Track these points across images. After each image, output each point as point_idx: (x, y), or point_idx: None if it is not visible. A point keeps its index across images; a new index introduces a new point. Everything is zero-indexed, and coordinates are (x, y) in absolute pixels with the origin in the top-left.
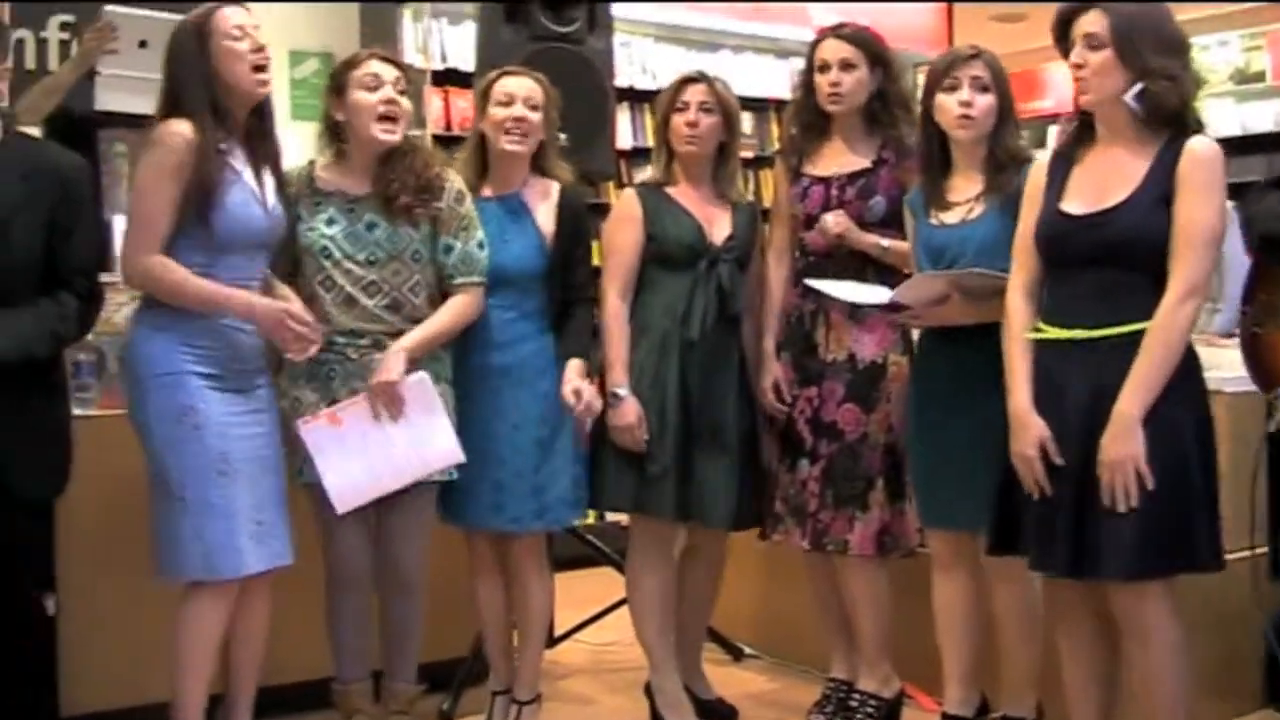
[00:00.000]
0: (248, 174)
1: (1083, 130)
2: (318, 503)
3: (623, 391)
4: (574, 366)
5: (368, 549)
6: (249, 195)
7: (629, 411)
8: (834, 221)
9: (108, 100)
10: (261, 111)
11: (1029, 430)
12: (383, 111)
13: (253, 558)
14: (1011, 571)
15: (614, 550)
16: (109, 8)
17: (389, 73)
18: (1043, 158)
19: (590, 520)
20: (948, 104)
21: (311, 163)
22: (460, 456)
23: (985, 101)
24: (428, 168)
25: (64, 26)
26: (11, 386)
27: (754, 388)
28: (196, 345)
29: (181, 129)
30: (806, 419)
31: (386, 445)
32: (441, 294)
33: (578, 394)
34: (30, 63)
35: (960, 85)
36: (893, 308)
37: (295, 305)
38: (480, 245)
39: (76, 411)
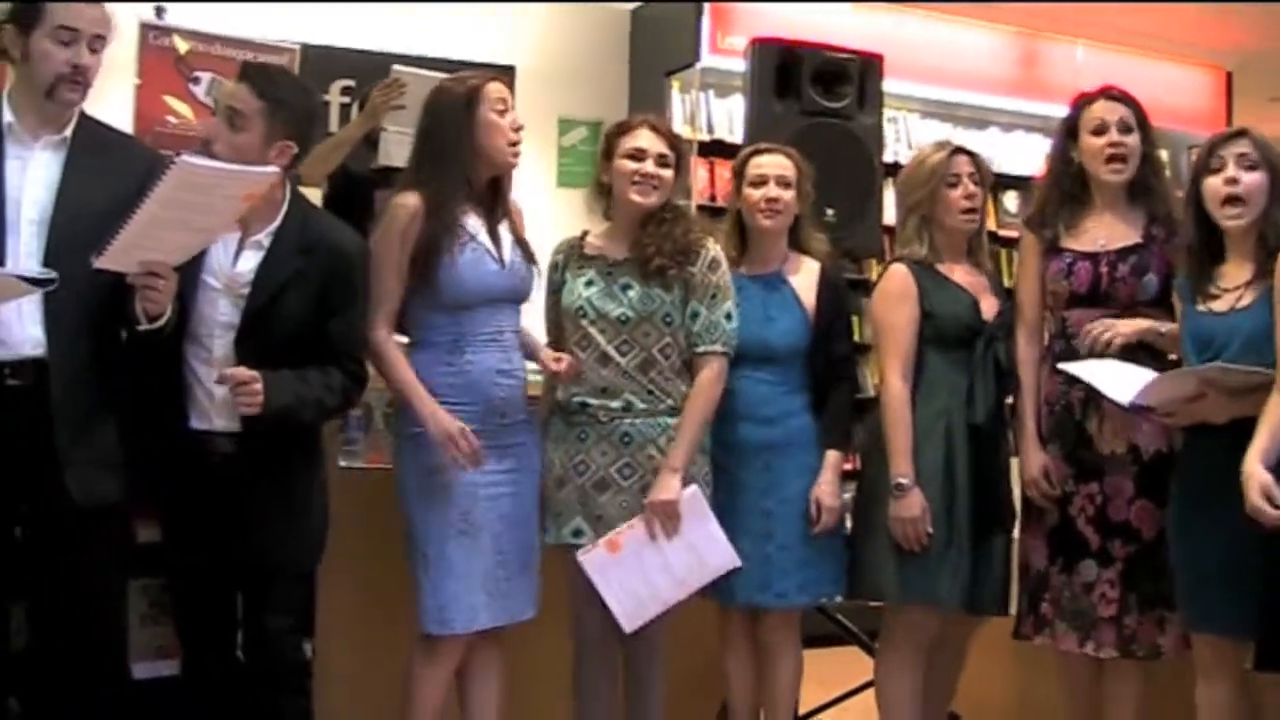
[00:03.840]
0: (482, 234)
1: None
2: (567, 566)
3: (907, 482)
4: (830, 463)
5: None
6: (482, 254)
7: (914, 504)
8: (1107, 332)
9: (391, 155)
10: (497, 180)
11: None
12: (636, 181)
13: (486, 614)
14: None
15: (861, 629)
16: (398, 67)
17: (655, 146)
18: None
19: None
20: (1214, 185)
21: (585, 233)
22: (737, 561)
23: (1254, 179)
24: (687, 234)
25: (345, 90)
26: (274, 462)
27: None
28: (453, 401)
29: (407, 200)
30: (1088, 518)
31: (664, 561)
32: (689, 361)
33: (819, 505)
34: None
35: (1225, 165)
36: (1140, 409)
37: (466, 430)
38: (728, 316)
39: (343, 464)
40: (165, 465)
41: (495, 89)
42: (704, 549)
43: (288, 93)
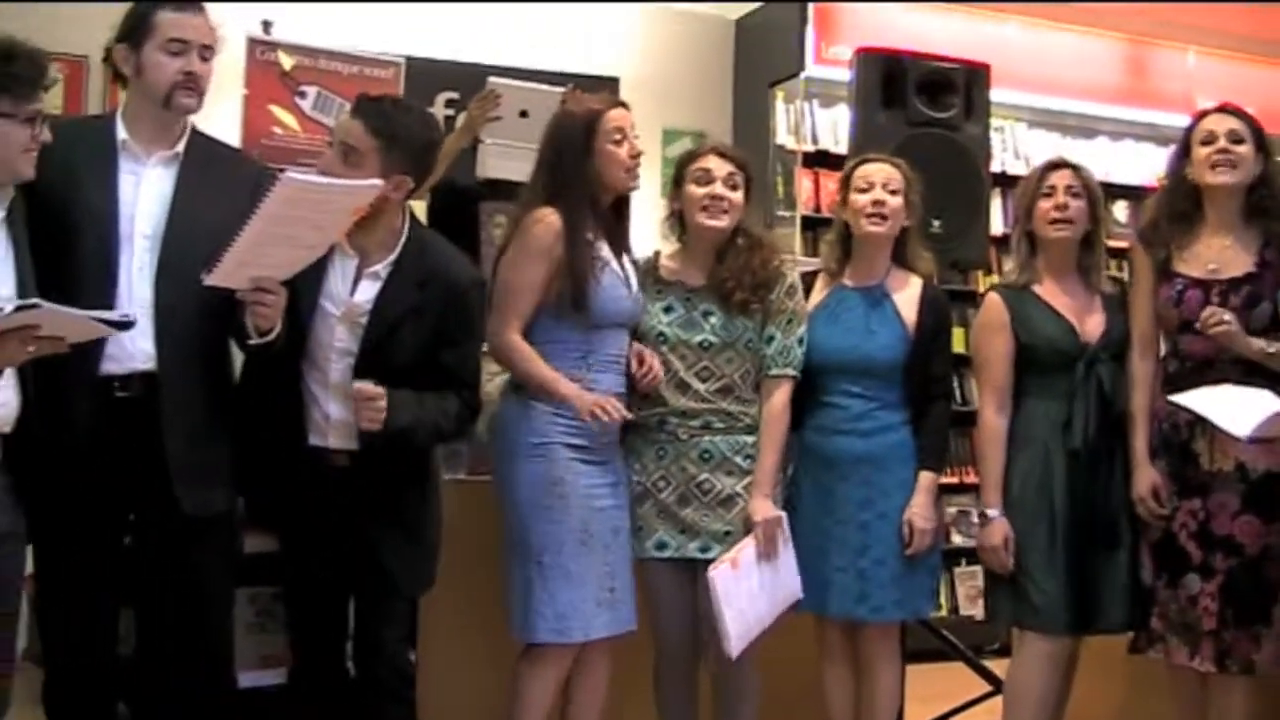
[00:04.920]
0: (613, 260)
1: None
2: (645, 575)
3: (993, 513)
4: (923, 485)
5: (693, 622)
6: (616, 279)
7: (995, 533)
8: (1214, 319)
9: (490, 167)
10: (621, 201)
11: None
12: (705, 205)
13: (599, 622)
14: None
15: (967, 645)
16: (494, 79)
17: (721, 169)
18: None
19: (943, 613)
20: None
21: (656, 253)
22: (800, 594)
23: None
24: (765, 265)
25: (449, 103)
26: (390, 483)
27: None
28: (570, 418)
29: (550, 218)
30: (1190, 533)
31: (762, 582)
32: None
33: (911, 527)
34: None
35: None
36: (1257, 440)
37: (611, 402)
38: (800, 341)
39: (446, 476)
40: (284, 479)
41: (614, 118)
42: (784, 573)
43: (402, 127)
